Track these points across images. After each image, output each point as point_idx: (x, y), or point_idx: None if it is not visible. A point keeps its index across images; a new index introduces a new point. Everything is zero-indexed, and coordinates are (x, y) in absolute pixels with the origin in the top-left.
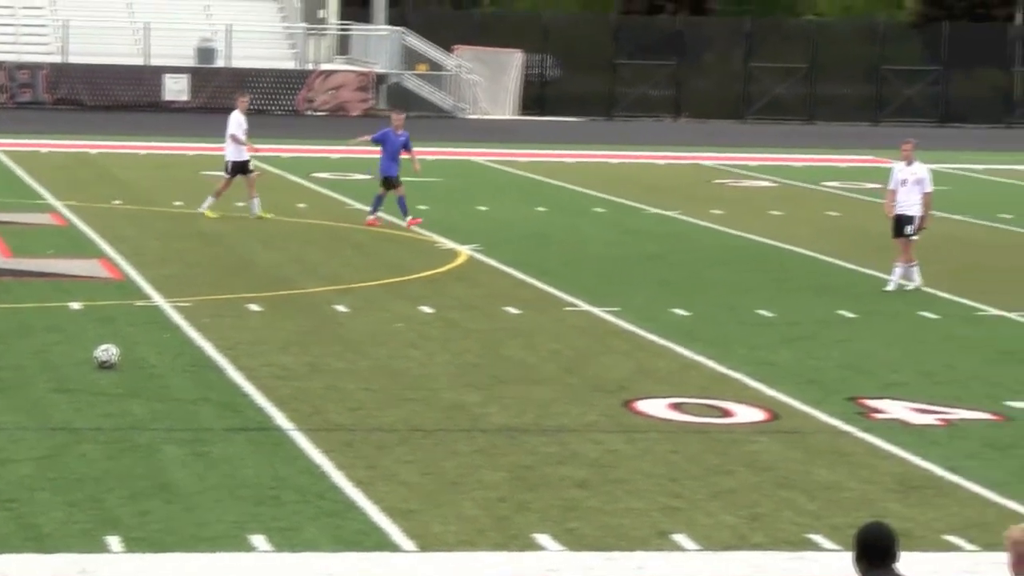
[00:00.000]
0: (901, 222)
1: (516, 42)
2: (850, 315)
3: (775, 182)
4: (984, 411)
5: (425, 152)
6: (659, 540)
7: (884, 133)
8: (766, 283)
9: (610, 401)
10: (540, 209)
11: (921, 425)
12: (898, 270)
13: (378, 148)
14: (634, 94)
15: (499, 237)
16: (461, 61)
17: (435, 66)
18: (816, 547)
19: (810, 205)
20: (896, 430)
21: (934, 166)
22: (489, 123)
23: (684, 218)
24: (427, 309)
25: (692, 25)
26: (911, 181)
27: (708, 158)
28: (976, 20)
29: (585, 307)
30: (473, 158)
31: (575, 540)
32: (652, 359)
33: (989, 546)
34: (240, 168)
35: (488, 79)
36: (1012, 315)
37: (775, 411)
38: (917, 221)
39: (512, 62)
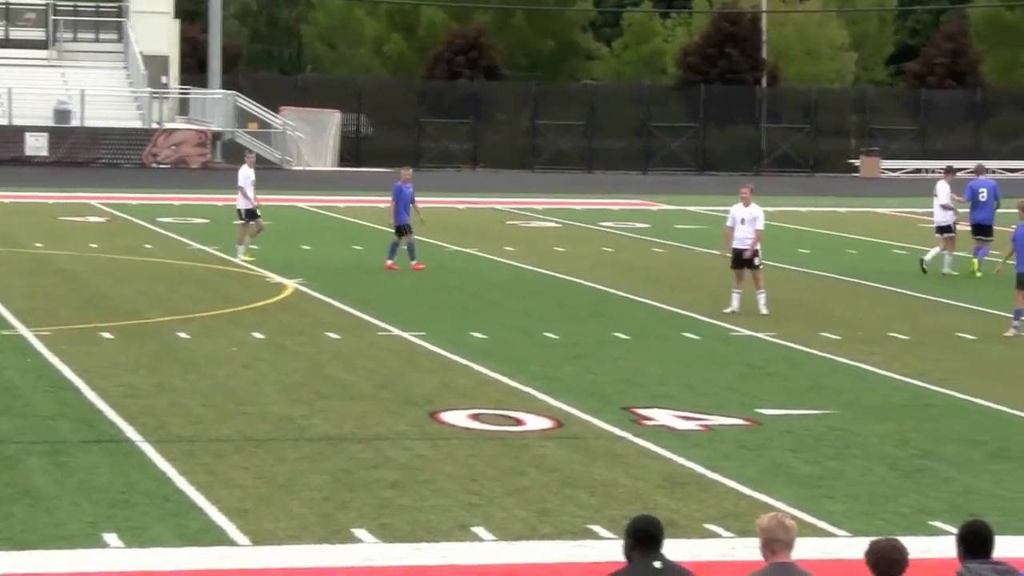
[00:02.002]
0: (740, 255)
1: (334, 103)
2: (624, 336)
3: (559, 223)
4: (738, 417)
5: (257, 199)
6: (461, 532)
7: (652, 180)
8: (552, 310)
9: (418, 413)
10: (357, 247)
11: (685, 430)
12: (736, 296)
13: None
14: (437, 148)
15: (321, 272)
16: (286, 120)
17: (264, 124)
18: (596, 536)
19: (589, 242)
20: (664, 435)
21: (694, 208)
22: (312, 174)
23: (481, 254)
24: (259, 335)
25: (486, 88)
26: (748, 220)
27: (501, 203)
28: (728, 83)
29: (396, 332)
30: (298, 204)
31: (389, 534)
32: (454, 376)
33: (743, 533)
34: (251, 215)
35: (310, 135)
36: (760, 335)
37: (560, 420)
38: (756, 253)
39: (331, 120)
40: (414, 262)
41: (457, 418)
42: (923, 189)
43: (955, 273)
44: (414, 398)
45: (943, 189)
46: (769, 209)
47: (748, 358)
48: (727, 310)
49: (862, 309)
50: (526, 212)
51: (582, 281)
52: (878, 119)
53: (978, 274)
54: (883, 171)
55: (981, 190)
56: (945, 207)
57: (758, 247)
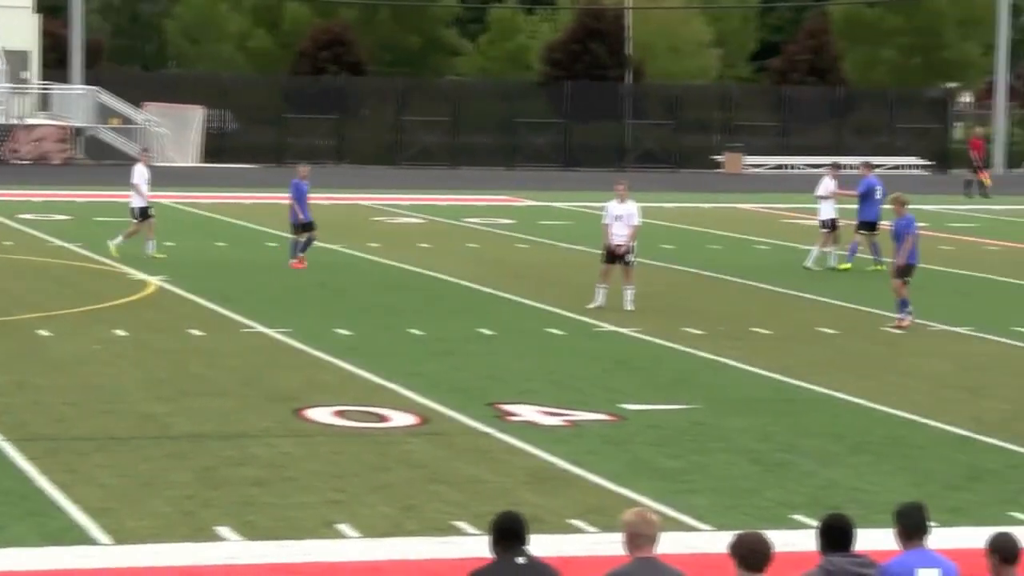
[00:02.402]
0: (614, 251)
1: (198, 99)
2: (489, 332)
3: (424, 219)
4: (602, 413)
5: (117, 196)
6: (325, 529)
7: (517, 176)
8: (417, 306)
9: (282, 410)
10: (220, 244)
11: (550, 425)
12: (602, 291)
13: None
14: (302, 144)
15: (185, 269)
16: (149, 116)
17: (127, 120)
18: (461, 532)
19: (454, 238)
20: (528, 430)
21: (559, 204)
22: (175, 170)
23: (346, 250)
24: (121, 332)
25: (351, 84)
26: (624, 216)
27: (366, 199)
28: (593, 79)
29: (261, 328)
30: (161, 200)
31: (253, 531)
32: (319, 373)
33: (607, 528)
34: (144, 213)
35: (174, 131)
36: (625, 330)
37: (425, 416)
38: (631, 250)
39: (195, 116)
40: (300, 257)
41: (322, 415)
42: (785, 185)
43: (836, 267)
44: (279, 395)
45: (826, 184)
46: None
47: (613, 353)
48: (591, 305)
49: (725, 304)
50: (391, 208)
51: (447, 277)
52: (741, 115)
53: (843, 266)
54: (746, 167)
55: (877, 188)
56: (823, 198)
57: (633, 244)
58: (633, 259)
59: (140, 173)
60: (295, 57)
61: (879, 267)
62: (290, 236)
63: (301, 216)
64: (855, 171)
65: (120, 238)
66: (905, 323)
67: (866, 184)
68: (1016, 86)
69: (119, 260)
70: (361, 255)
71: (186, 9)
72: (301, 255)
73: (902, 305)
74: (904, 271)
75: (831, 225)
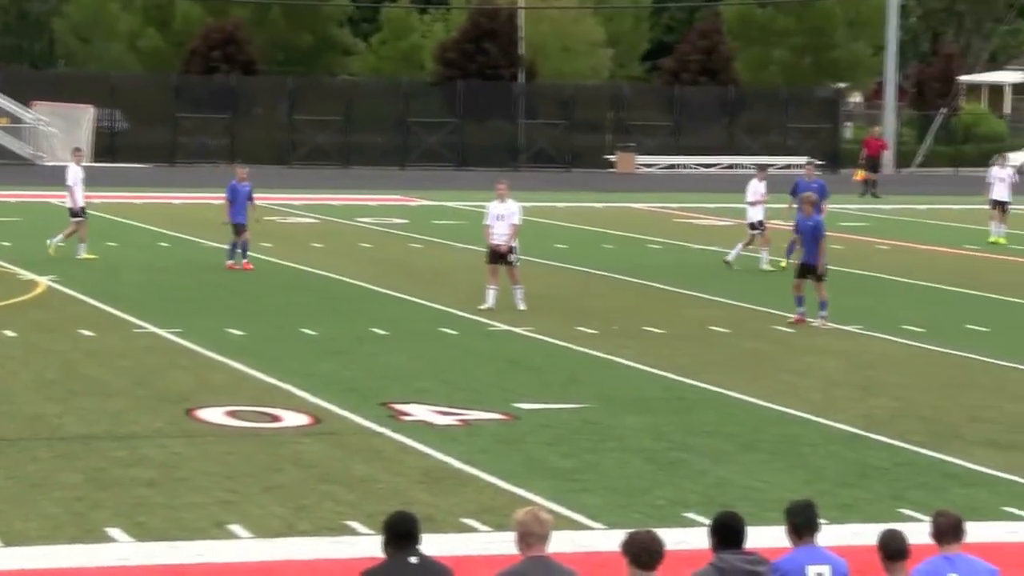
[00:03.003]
0: (496, 251)
1: (88, 98)
2: (382, 332)
3: (317, 219)
4: (496, 412)
5: (8, 195)
6: (217, 530)
7: (410, 176)
8: (310, 306)
9: (174, 410)
10: (112, 244)
11: (443, 425)
12: (492, 292)
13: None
14: (193, 143)
15: (75, 269)
16: (38, 115)
17: (15, 119)
18: (353, 532)
19: (347, 238)
20: (422, 430)
21: (453, 204)
22: (65, 169)
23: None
24: (10, 333)
25: (243, 83)
26: (505, 215)
27: (259, 198)
28: (486, 79)
29: (152, 329)
30: (51, 200)
31: (144, 532)
32: (211, 373)
33: (500, 527)
34: (76, 213)
35: (63, 131)
36: (518, 329)
37: (318, 416)
38: (513, 249)
39: (85, 116)
40: (245, 261)
41: (214, 415)
42: (678, 184)
43: (771, 269)
44: (170, 396)
45: (755, 187)
46: (527, 204)
47: (506, 353)
48: (483, 306)
49: (618, 303)
50: (284, 208)
51: (340, 277)
52: (633, 115)
53: (783, 264)
54: (638, 167)
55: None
56: (753, 204)
57: (514, 243)
58: (515, 258)
59: (74, 173)
60: (186, 56)
61: (782, 264)
62: (231, 237)
63: (228, 218)
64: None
65: (59, 237)
66: (816, 322)
67: (801, 186)
68: (904, 86)
69: (7, 260)
70: (254, 255)
71: (76, 8)
72: (232, 261)
73: (799, 302)
74: (806, 270)
75: (759, 227)
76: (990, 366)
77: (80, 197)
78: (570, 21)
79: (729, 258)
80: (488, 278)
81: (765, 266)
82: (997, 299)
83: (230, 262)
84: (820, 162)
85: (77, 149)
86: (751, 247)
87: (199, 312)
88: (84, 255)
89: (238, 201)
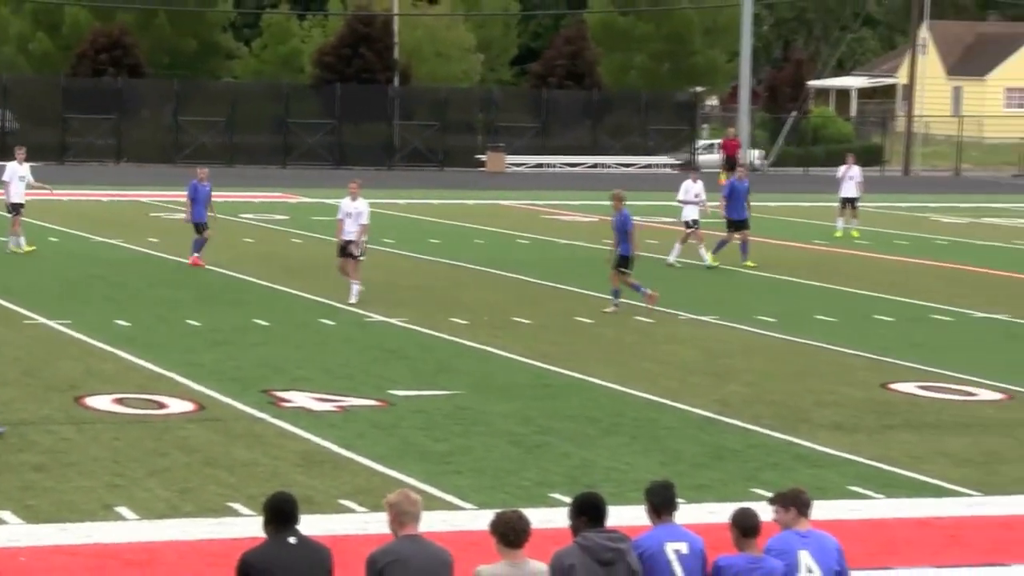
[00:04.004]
0: (345, 247)
1: None
2: (264, 323)
3: None
4: (372, 399)
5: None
6: (105, 512)
7: (290, 174)
8: (194, 298)
9: (63, 398)
10: (1, 239)
11: (322, 411)
12: (355, 286)
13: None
14: (82, 143)
15: None
16: None
17: None
18: (235, 513)
19: (230, 234)
20: (301, 416)
21: (331, 201)
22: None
23: (125, 245)
24: None
25: (130, 85)
26: (354, 214)
27: (146, 196)
28: (363, 82)
29: (42, 320)
30: None
31: (33, 515)
32: (99, 362)
33: (375, 508)
34: (15, 208)
35: None
36: (393, 320)
37: (202, 403)
38: (360, 246)
39: None
40: (196, 256)
41: (102, 403)
42: (544, 183)
43: (716, 264)
44: (59, 384)
45: (688, 187)
46: (401, 202)
47: (382, 342)
48: (351, 300)
49: (489, 295)
50: (169, 204)
51: (224, 271)
52: (503, 117)
53: (751, 263)
54: (508, 166)
55: (742, 188)
56: (684, 202)
57: (363, 239)
58: (360, 254)
59: (12, 170)
60: (75, 59)
61: (749, 264)
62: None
63: (189, 216)
64: (612, 170)
65: (17, 239)
66: (609, 309)
67: (731, 186)
68: (758, 90)
69: None
70: (141, 250)
71: None
72: (197, 255)
73: (615, 294)
74: (622, 262)
75: (694, 225)
76: (835, 354)
77: (15, 193)
78: (443, 27)
79: (670, 260)
80: (339, 272)
81: (707, 261)
82: (843, 291)
83: (195, 255)
84: (630, 161)
85: (18, 147)
86: (702, 247)
87: (87, 304)
88: (15, 248)
89: (199, 200)
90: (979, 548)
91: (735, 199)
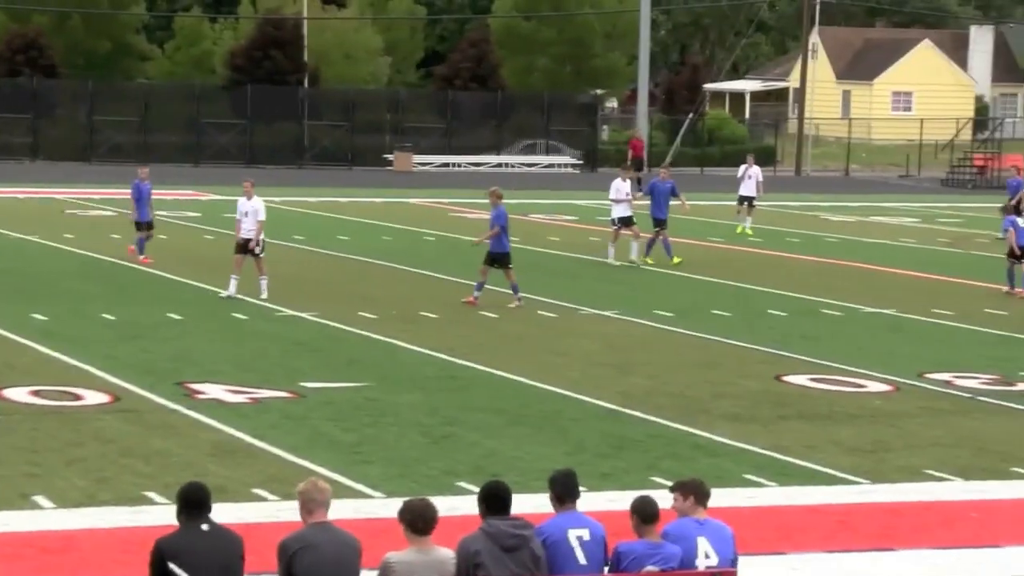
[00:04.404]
0: (245, 244)
1: None
2: (177, 317)
3: (115, 211)
4: (284, 390)
5: None
6: (22, 501)
7: (203, 172)
8: (110, 293)
9: None
10: None
11: (234, 403)
12: (234, 281)
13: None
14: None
15: None
16: None
17: None
18: (151, 502)
19: None
20: (215, 407)
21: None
22: None
23: (41, 241)
24: None
25: (45, 85)
26: (250, 212)
27: (61, 193)
28: (274, 83)
29: None
30: None
31: None
32: (16, 356)
33: (287, 496)
34: None
35: None
36: (304, 315)
37: (117, 395)
38: (259, 243)
39: None
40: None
41: (19, 394)
42: (450, 181)
43: (651, 262)
44: None
45: (617, 185)
46: (311, 199)
47: (293, 336)
48: (223, 294)
49: (396, 290)
50: (84, 201)
51: (138, 266)
52: (410, 118)
53: (676, 260)
54: (415, 165)
55: (666, 188)
56: (617, 201)
57: (261, 237)
58: (260, 250)
59: None
60: None
61: (676, 260)
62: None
63: (135, 215)
64: (514, 169)
65: None
66: (512, 304)
67: (653, 186)
68: (656, 93)
69: None
70: (56, 245)
71: None
72: (144, 255)
73: (478, 287)
74: (495, 258)
75: (628, 222)
76: (732, 347)
77: None
78: (351, 31)
79: (608, 259)
80: (233, 268)
81: (634, 257)
82: (738, 286)
83: (141, 256)
84: (532, 161)
85: None
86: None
87: (3, 298)
88: None
89: (142, 199)
90: (868, 533)
91: (656, 198)
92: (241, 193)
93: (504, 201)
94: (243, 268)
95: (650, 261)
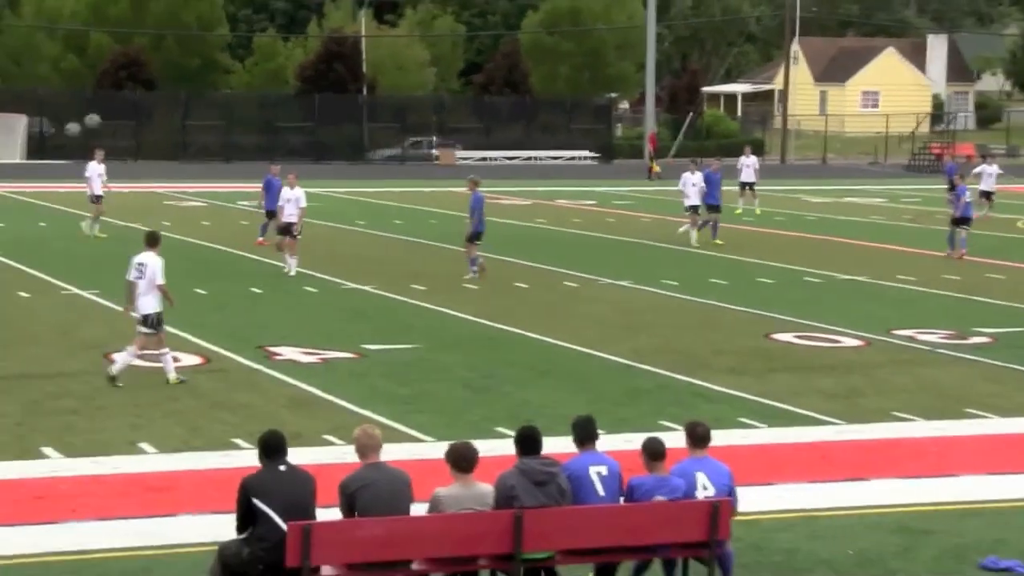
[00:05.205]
0: (286, 228)
1: (21, 109)
2: (258, 290)
3: (205, 203)
4: (348, 352)
5: None
6: (129, 447)
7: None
8: (200, 271)
9: (93, 354)
10: (42, 224)
11: (307, 363)
12: (292, 260)
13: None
14: (106, 144)
15: (11, 245)
16: None
17: None
18: (238, 447)
19: (229, 217)
20: (289, 367)
21: (313, 190)
22: (3, 166)
23: (144, 228)
24: None
25: (145, 96)
26: (292, 199)
27: (160, 187)
28: (337, 92)
29: (75, 290)
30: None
31: (71, 450)
32: (122, 325)
33: (352, 442)
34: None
35: (1, 135)
36: (364, 287)
37: (208, 357)
38: (298, 226)
39: (18, 123)
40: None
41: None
42: (488, 173)
43: (720, 242)
44: (90, 343)
45: (686, 179)
46: (370, 190)
47: (355, 305)
48: (291, 273)
49: (442, 267)
50: (179, 194)
51: (224, 247)
52: (452, 119)
53: (719, 241)
54: (457, 159)
55: (714, 177)
56: (686, 192)
57: (300, 222)
58: (298, 233)
59: (91, 168)
60: (99, 76)
61: (718, 243)
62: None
63: (262, 204)
64: (544, 162)
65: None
66: (468, 276)
67: (705, 176)
68: (661, 95)
69: None
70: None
71: (9, 37)
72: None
73: (472, 262)
74: (475, 236)
75: (693, 210)
76: (727, 311)
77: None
78: (403, 46)
79: (692, 243)
80: (281, 248)
81: (693, 242)
82: (732, 259)
83: (261, 239)
84: (556, 155)
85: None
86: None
87: (113, 278)
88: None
89: (272, 191)
90: (845, 466)
91: (711, 187)
92: (285, 183)
93: (537, 188)
94: (296, 247)
95: (719, 242)
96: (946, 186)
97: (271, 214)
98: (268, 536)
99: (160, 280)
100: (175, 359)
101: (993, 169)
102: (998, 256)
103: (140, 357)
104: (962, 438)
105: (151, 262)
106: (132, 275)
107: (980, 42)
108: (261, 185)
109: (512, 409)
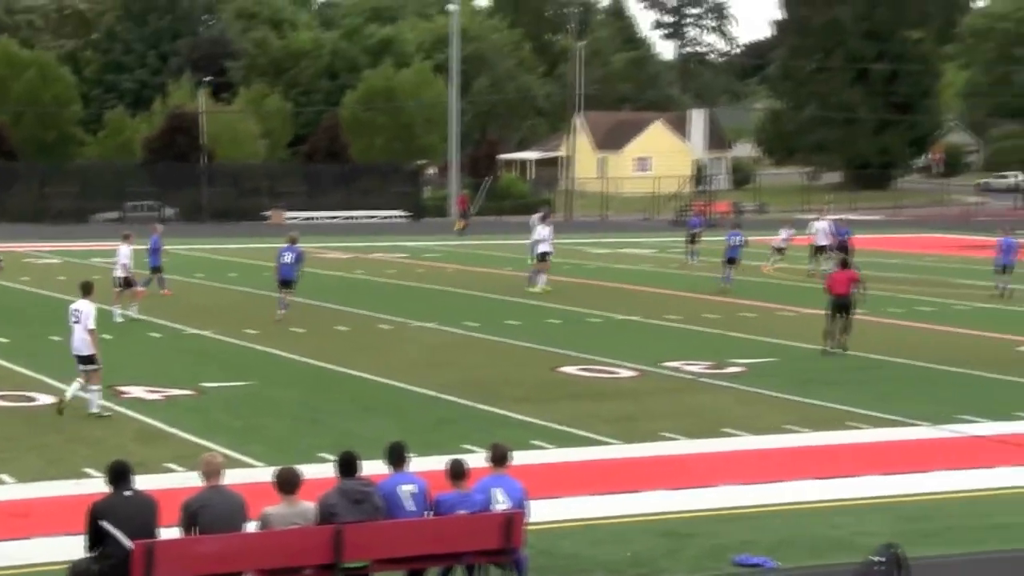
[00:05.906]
0: (127, 279)
1: None
2: (108, 336)
3: (61, 260)
4: (189, 389)
5: None
6: None
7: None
8: (58, 320)
9: None
10: None
11: (152, 399)
12: (131, 309)
13: None
14: None
15: None
16: None
17: None
18: (90, 476)
19: (84, 273)
20: (136, 403)
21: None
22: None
23: (4, 283)
24: None
25: (7, 166)
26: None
27: (20, 247)
28: (180, 161)
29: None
30: None
31: None
32: None
33: (192, 469)
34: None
35: None
36: (205, 332)
37: (62, 396)
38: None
39: None
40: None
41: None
42: (314, 230)
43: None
44: None
45: (541, 230)
46: (207, 247)
47: (195, 348)
48: (279, 313)
49: (272, 313)
50: (38, 253)
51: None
52: (281, 184)
53: (548, 289)
54: (286, 219)
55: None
56: (537, 241)
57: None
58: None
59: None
60: None
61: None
62: None
63: (150, 262)
64: (361, 220)
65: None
66: (278, 315)
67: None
68: (464, 162)
69: None
70: (17, 287)
71: None
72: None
73: (282, 305)
74: (286, 283)
75: (543, 257)
76: (520, 348)
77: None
78: (237, 120)
79: (538, 287)
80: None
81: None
82: (522, 303)
83: (164, 290)
84: (408, 213)
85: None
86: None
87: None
88: None
89: (156, 249)
90: (621, 480)
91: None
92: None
93: (356, 244)
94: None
95: (535, 289)
96: (684, 238)
97: (156, 270)
98: (115, 554)
99: (91, 325)
100: (31, 398)
101: (822, 225)
102: (751, 297)
103: (2, 398)
104: (719, 454)
105: (85, 308)
106: (70, 320)
107: (734, 115)
108: (149, 245)
109: (336, 438)
